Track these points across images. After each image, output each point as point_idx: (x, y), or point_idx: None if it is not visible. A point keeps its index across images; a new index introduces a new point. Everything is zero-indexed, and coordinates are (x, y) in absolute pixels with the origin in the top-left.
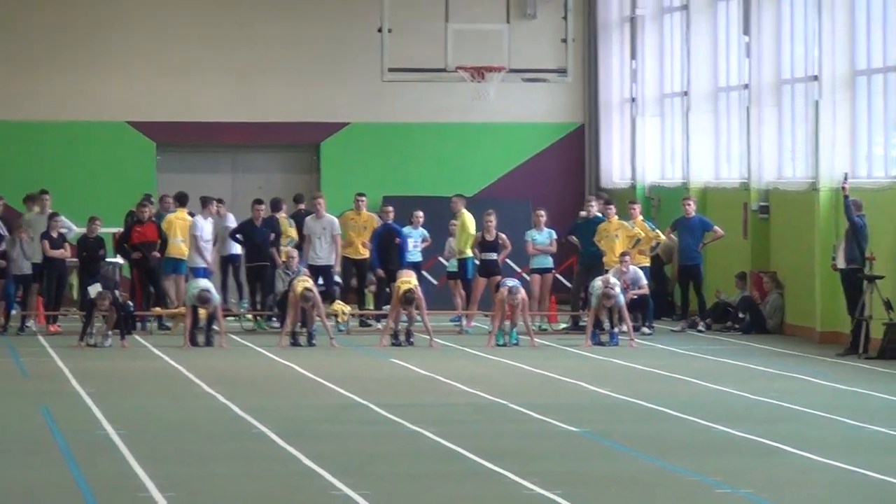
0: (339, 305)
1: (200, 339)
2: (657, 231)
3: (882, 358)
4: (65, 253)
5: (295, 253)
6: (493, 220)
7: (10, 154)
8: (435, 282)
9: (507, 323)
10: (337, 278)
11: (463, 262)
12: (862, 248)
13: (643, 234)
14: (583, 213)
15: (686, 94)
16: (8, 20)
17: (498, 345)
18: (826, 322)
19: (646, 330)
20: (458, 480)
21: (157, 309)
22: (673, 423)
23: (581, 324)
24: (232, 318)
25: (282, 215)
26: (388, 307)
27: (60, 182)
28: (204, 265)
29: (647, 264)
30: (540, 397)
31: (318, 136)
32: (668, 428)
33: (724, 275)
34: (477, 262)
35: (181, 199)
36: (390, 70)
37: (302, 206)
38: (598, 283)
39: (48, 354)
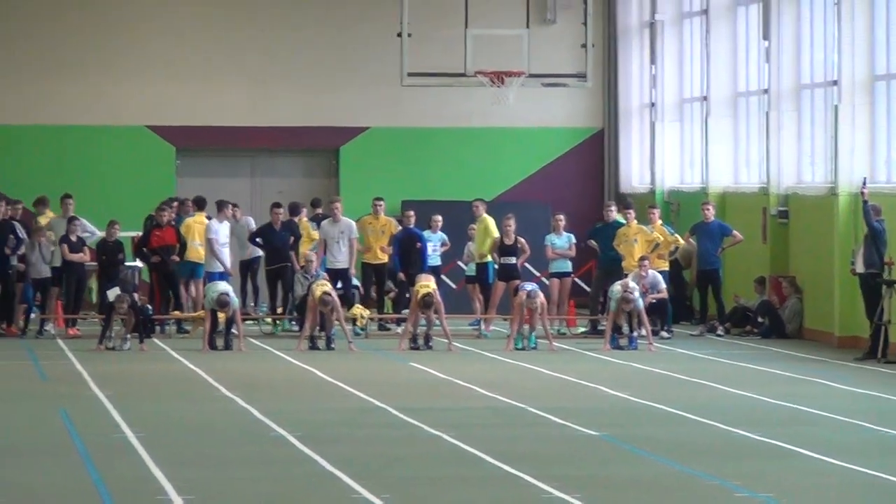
0: (357, 309)
1: (219, 342)
2: (676, 235)
3: None
4: (84, 257)
5: (313, 257)
6: (512, 224)
7: (30, 158)
8: (454, 286)
9: (526, 327)
10: (356, 282)
11: (483, 267)
12: (881, 252)
13: (662, 239)
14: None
15: (705, 98)
16: (28, 25)
17: (516, 348)
18: (845, 327)
19: (664, 334)
20: (476, 484)
21: (176, 312)
22: (692, 427)
23: (600, 328)
24: (251, 322)
25: (303, 219)
26: (407, 311)
27: (80, 186)
28: (220, 269)
29: (666, 269)
30: (559, 401)
31: (337, 141)
32: (687, 432)
33: (742, 279)
34: (496, 266)
35: (200, 203)
36: (410, 75)
37: (319, 211)
38: (617, 287)
39: (67, 358)
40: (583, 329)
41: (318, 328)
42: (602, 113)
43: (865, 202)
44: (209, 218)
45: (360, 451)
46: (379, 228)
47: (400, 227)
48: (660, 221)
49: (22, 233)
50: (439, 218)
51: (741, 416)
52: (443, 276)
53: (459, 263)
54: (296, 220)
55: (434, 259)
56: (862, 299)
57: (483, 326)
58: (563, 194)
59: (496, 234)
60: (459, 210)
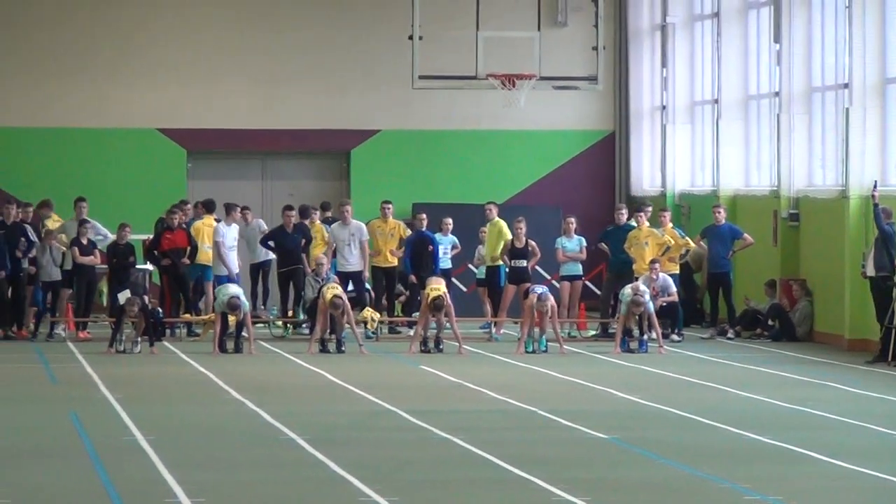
0: (368, 312)
1: (230, 345)
2: (687, 238)
3: None
4: (94, 259)
5: (324, 260)
6: (523, 227)
7: (41, 161)
8: (464, 289)
9: (536, 330)
10: (367, 286)
11: (495, 270)
12: (891, 255)
13: (673, 242)
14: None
15: (716, 101)
16: (39, 28)
17: (527, 352)
18: (855, 330)
19: (675, 337)
20: (486, 487)
21: (187, 315)
22: (702, 430)
23: (610, 331)
24: (261, 325)
25: (317, 222)
26: (417, 314)
27: (91, 189)
28: (226, 273)
29: (677, 272)
30: (569, 404)
31: (348, 144)
32: (696, 435)
33: (753, 282)
34: (507, 269)
35: (208, 206)
36: (421, 77)
37: (329, 214)
38: (627, 290)
39: (77, 360)
40: (593, 332)
41: (328, 331)
42: (613, 116)
43: (876, 205)
44: (218, 220)
45: (370, 455)
46: (388, 232)
47: (409, 230)
48: (671, 224)
49: (33, 235)
50: (450, 221)
51: (751, 419)
52: (453, 279)
53: (470, 266)
54: (306, 222)
55: (445, 262)
56: (872, 302)
57: (493, 329)
58: (573, 197)
59: (510, 236)
60: (470, 213)
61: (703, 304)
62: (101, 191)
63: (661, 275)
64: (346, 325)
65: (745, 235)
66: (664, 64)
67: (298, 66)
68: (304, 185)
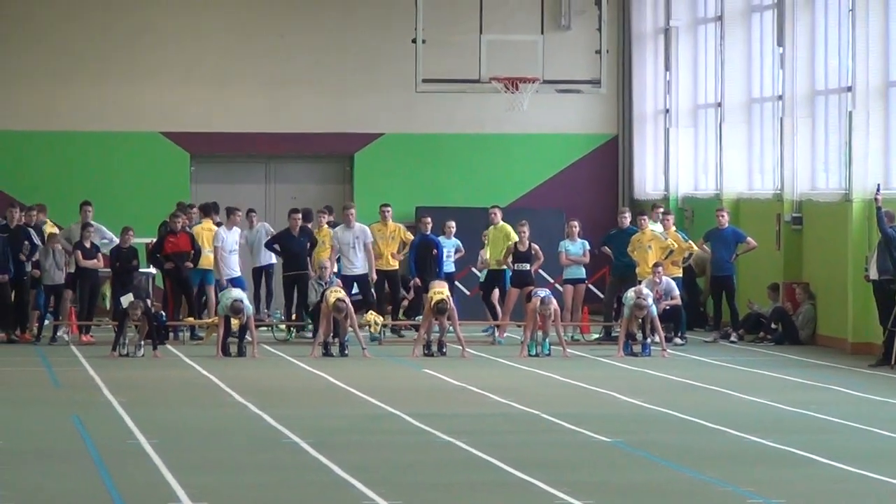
0: (371, 315)
1: (233, 349)
2: (690, 242)
3: None
4: (97, 263)
5: (327, 263)
6: (526, 230)
7: (45, 164)
8: (468, 292)
9: (540, 333)
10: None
11: (501, 273)
12: (895, 259)
13: (676, 246)
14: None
15: (720, 105)
16: (43, 31)
17: (530, 355)
18: (858, 333)
19: (678, 341)
20: (489, 490)
21: (190, 319)
22: (705, 434)
23: (613, 334)
24: (264, 328)
25: (324, 226)
26: (420, 317)
27: (95, 192)
28: (226, 277)
29: (680, 275)
30: (572, 407)
31: (351, 147)
32: (699, 438)
33: (756, 286)
34: (510, 272)
35: (206, 210)
36: (424, 81)
37: (331, 218)
38: (630, 293)
39: (80, 364)
40: (596, 335)
41: (331, 334)
42: (616, 119)
43: (879, 208)
44: (219, 224)
45: (372, 458)
46: (388, 235)
47: (409, 233)
48: (674, 228)
49: (37, 239)
50: (453, 224)
51: (754, 422)
52: (456, 283)
53: (474, 270)
54: (309, 225)
55: (448, 265)
56: (875, 306)
57: (497, 333)
58: (577, 201)
59: (516, 239)
60: (473, 216)
61: (706, 307)
62: (104, 194)
63: (664, 278)
64: (350, 329)
65: (749, 239)
66: (667, 67)
67: (302, 70)
68: (308, 188)
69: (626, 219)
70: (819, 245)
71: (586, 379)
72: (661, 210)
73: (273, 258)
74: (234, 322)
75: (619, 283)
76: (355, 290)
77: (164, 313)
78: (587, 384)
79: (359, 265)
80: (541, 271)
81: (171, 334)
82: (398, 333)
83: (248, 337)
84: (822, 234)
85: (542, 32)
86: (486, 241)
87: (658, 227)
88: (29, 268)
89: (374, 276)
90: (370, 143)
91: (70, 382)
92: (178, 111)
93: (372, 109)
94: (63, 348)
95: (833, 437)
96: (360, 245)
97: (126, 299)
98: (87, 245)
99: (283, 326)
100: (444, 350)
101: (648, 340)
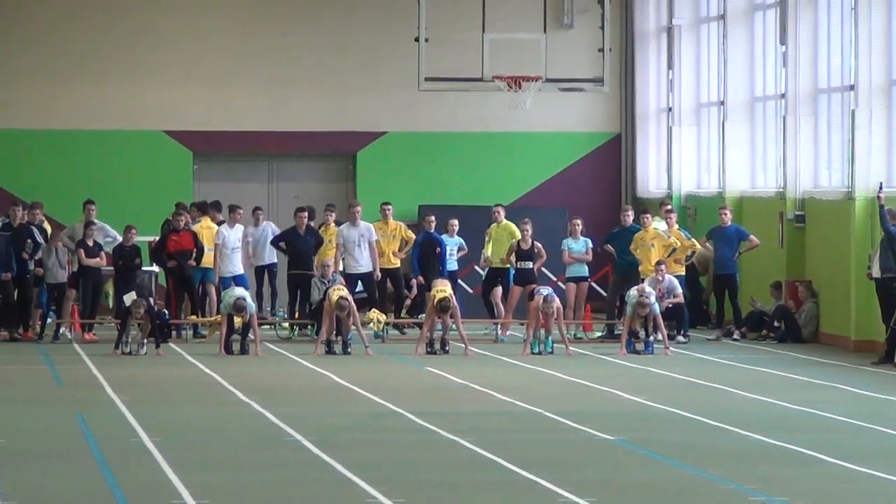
0: (374, 314)
1: (235, 347)
2: (693, 240)
3: None
4: (100, 261)
5: (330, 262)
6: (529, 228)
7: (47, 163)
8: (471, 290)
9: (542, 331)
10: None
11: (504, 271)
12: None
13: (679, 244)
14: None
15: (722, 103)
16: (45, 30)
17: (533, 353)
18: (861, 331)
19: (681, 339)
20: (492, 489)
21: (193, 317)
22: (708, 432)
23: (616, 332)
24: (267, 327)
25: (332, 225)
26: (423, 315)
27: (98, 191)
28: (230, 274)
29: (683, 273)
30: (575, 405)
31: (354, 146)
32: (702, 436)
33: (759, 284)
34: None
35: (202, 208)
36: (427, 79)
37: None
38: (633, 291)
39: (83, 362)
40: (599, 333)
41: (334, 333)
42: (619, 117)
43: (882, 207)
44: (222, 222)
45: (375, 456)
46: (389, 233)
47: (409, 231)
48: (676, 226)
49: (39, 237)
50: (455, 222)
51: (757, 420)
52: (459, 281)
53: (477, 268)
54: (311, 223)
55: (451, 264)
56: (878, 304)
57: (499, 331)
58: (579, 199)
59: (519, 236)
60: (476, 215)
61: (708, 305)
62: (107, 193)
63: (666, 276)
64: (353, 327)
65: (752, 237)
66: (670, 66)
67: (305, 69)
68: (311, 187)
69: (629, 217)
70: (822, 243)
71: (589, 377)
72: (669, 208)
73: (276, 257)
74: (237, 320)
75: (622, 282)
76: (359, 287)
77: (166, 311)
78: (590, 382)
79: (363, 263)
80: (544, 269)
81: (174, 332)
82: (401, 331)
83: (250, 335)
84: (825, 232)
85: (545, 31)
86: (487, 238)
87: (664, 226)
88: (32, 266)
89: (379, 275)
90: (373, 141)
91: (73, 381)
92: (181, 110)
93: (374, 108)
94: (66, 346)
95: (836, 435)
96: (365, 243)
97: (129, 297)
98: (90, 243)
99: (285, 324)
100: (447, 348)
101: (651, 338)
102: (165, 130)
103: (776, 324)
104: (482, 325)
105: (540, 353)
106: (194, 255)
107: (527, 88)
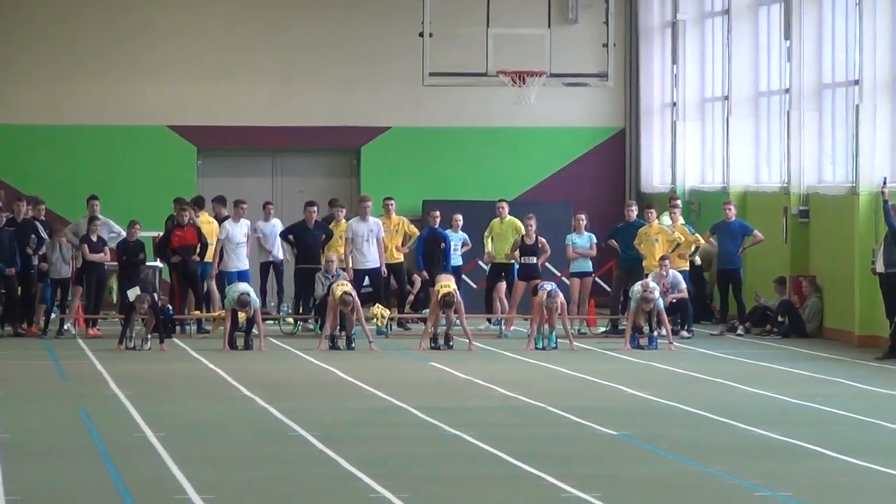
0: (378, 309)
1: (239, 342)
2: (697, 235)
3: None
4: (104, 257)
5: (334, 257)
6: (533, 223)
7: (52, 158)
8: (475, 286)
9: (546, 326)
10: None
11: (507, 267)
12: None
13: (683, 239)
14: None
15: (727, 98)
16: (49, 25)
17: (537, 348)
18: (865, 326)
19: (685, 334)
20: (496, 484)
21: (197, 312)
22: (711, 427)
23: (620, 327)
24: (271, 322)
25: (342, 220)
26: (427, 311)
27: (102, 186)
28: (236, 269)
29: (687, 268)
30: (579, 401)
31: (358, 141)
32: (706, 431)
33: (763, 279)
34: (517, 265)
35: (199, 203)
36: (431, 74)
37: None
38: (637, 287)
39: (87, 357)
40: (603, 329)
41: (338, 328)
42: (623, 112)
43: (886, 202)
44: (227, 217)
45: (379, 451)
46: (392, 228)
47: (412, 226)
48: (681, 221)
49: (43, 233)
50: (460, 217)
51: (761, 415)
52: (463, 276)
53: (481, 263)
54: (319, 219)
55: (455, 259)
56: (882, 299)
57: (503, 326)
58: (584, 194)
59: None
60: (481, 210)
61: (712, 300)
62: (111, 188)
63: (670, 271)
64: (356, 322)
65: (756, 232)
66: (675, 61)
67: (309, 63)
68: (315, 182)
69: (633, 212)
70: (826, 238)
71: (593, 372)
72: (677, 202)
73: (282, 254)
74: (241, 315)
75: (626, 277)
76: (366, 282)
77: (170, 307)
78: (594, 377)
79: (371, 258)
80: (547, 264)
81: (178, 328)
82: (405, 327)
83: (254, 330)
84: (829, 227)
85: (549, 26)
86: (488, 234)
87: (668, 220)
88: (36, 261)
89: (385, 271)
90: (377, 136)
91: (77, 376)
92: (184, 105)
93: (379, 103)
94: (70, 342)
95: (840, 429)
96: (374, 238)
97: (133, 293)
98: (94, 239)
99: (290, 320)
100: (451, 343)
101: (655, 333)
102: (169, 125)
103: (780, 319)
104: (481, 320)
105: (544, 348)
106: (198, 250)
107: (531, 83)
